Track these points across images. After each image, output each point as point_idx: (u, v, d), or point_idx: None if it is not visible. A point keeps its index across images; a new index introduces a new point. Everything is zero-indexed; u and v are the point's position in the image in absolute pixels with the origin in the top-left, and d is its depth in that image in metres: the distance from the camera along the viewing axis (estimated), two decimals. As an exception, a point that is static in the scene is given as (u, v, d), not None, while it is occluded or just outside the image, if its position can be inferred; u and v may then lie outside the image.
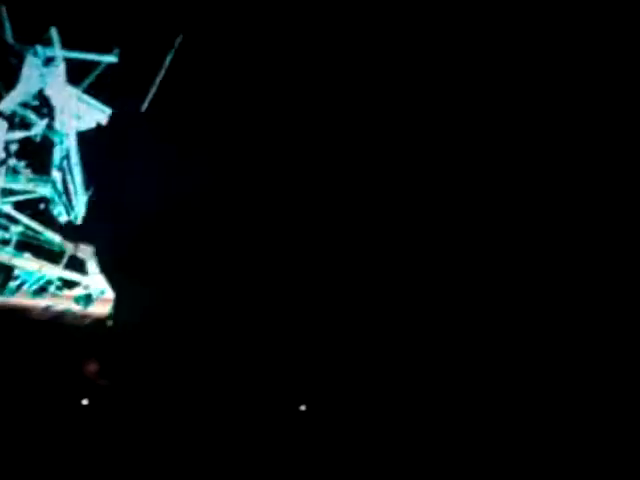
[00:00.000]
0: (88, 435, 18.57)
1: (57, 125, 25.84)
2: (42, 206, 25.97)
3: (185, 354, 21.81)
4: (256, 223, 23.95)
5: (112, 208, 25.68)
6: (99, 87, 26.10)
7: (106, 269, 24.92)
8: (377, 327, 22.30)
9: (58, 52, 25.19)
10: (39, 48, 25.61)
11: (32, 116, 25.66)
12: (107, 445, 18.18)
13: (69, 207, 26.34)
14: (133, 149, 25.51)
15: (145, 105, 25.34)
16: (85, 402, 19.85)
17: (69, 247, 25.30)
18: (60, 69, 25.60)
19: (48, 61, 25.55)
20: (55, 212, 25.98)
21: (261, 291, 23.26)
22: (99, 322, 23.23)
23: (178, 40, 24.77)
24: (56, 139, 25.85)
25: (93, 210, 26.12)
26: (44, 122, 25.51)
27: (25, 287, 24.27)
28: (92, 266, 25.21)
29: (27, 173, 25.90)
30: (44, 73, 25.68)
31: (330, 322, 22.57)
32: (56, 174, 25.68)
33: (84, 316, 24.20)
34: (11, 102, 25.60)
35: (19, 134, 25.45)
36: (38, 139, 25.61)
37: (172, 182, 24.14)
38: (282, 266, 23.45)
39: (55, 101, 25.52)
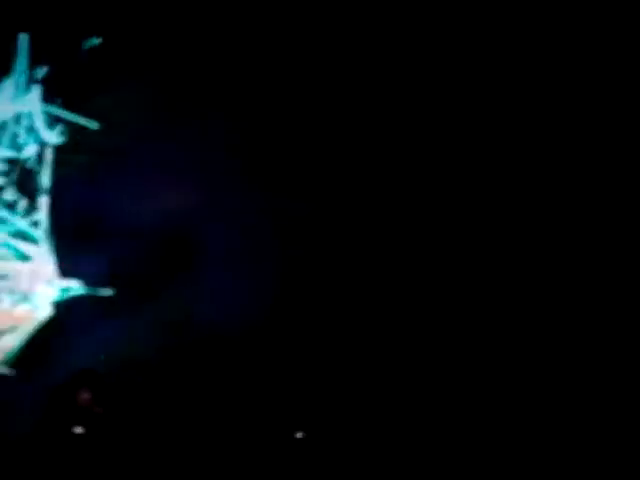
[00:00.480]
0: (83, 464, 18.29)
1: (44, 144, 26.40)
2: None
3: (179, 381, 21.69)
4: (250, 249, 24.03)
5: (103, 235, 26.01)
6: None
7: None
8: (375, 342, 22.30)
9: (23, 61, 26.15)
10: (24, 70, 26.25)
11: (25, 137, 26.07)
12: (103, 473, 17.98)
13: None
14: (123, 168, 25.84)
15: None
16: (79, 430, 19.52)
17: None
18: (38, 91, 26.19)
19: (29, 83, 26.14)
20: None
21: (257, 313, 23.30)
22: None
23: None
24: (43, 161, 26.37)
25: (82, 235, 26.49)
26: (36, 145, 25.80)
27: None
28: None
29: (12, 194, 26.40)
30: (26, 96, 26.21)
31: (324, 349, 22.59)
32: (44, 198, 26.14)
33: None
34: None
35: (9, 155, 25.89)
36: (30, 165, 25.92)
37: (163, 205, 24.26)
38: (276, 290, 23.48)
39: (38, 122, 25.94)
